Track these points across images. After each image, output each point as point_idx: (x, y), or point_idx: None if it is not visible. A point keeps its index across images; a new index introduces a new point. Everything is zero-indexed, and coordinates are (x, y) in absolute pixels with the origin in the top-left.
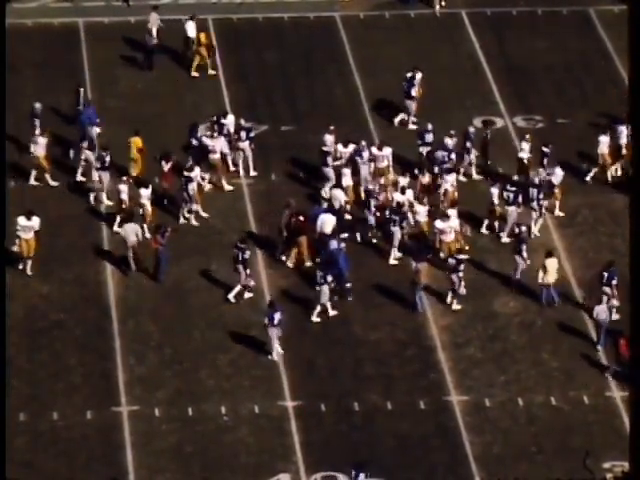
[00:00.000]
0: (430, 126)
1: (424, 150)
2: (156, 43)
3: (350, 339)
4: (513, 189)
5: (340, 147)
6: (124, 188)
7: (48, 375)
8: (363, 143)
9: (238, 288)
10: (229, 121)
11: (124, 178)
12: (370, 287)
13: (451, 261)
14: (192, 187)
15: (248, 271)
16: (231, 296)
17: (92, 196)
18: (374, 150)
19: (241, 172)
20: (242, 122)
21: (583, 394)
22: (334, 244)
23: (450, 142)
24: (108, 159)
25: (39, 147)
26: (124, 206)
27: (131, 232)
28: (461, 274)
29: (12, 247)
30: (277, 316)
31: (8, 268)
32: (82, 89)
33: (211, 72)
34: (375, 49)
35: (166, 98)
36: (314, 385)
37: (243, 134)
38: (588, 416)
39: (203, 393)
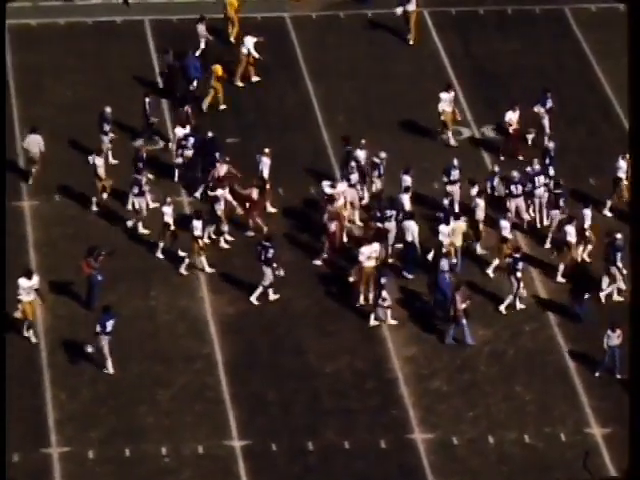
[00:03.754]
0: (456, 161)
1: (451, 189)
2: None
3: (304, 370)
4: (558, 191)
5: (327, 189)
6: (168, 210)
7: None
8: (352, 164)
9: (260, 289)
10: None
11: (167, 200)
12: (326, 312)
13: (508, 261)
14: (219, 207)
15: (273, 267)
16: (254, 298)
17: (130, 222)
18: (327, 189)
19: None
20: (187, 131)
21: (559, 430)
22: (444, 264)
23: (531, 170)
24: (144, 183)
25: (99, 168)
26: (170, 230)
27: (34, 144)
28: (519, 274)
29: (14, 314)
30: (110, 323)
31: None
32: (148, 99)
33: (255, 78)
34: (329, 52)
35: (99, 107)
36: (264, 422)
37: (191, 140)
38: (565, 454)
39: (141, 432)
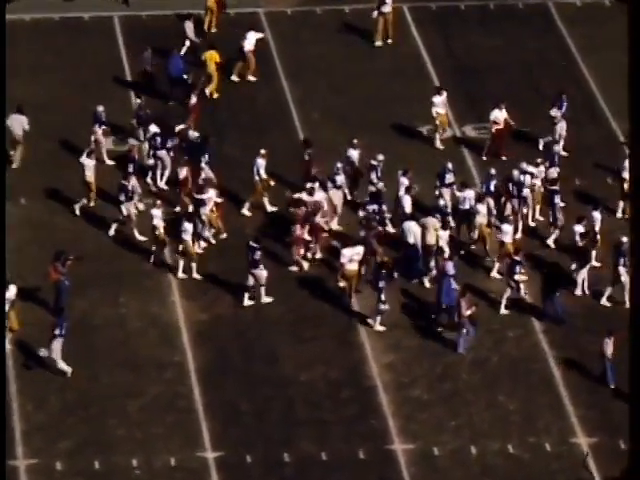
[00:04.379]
0: (450, 165)
1: (444, 192)
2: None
3: (278, 379)
4: (553, 188)
5: (305, 196)
6: (157, 213)
7: None
8: (338, 165)
9: (263, 290)
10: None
11: (157, 202)
12: (301, 319)
13: (507, 262)
14: (205, 211)
15: (261, 268)
16: (265, 299)
17: (113, 228)
18: (303, 195)
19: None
20: (157, 129)
21: (544, 440)
22: (450, 268)
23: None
24: (131, 188)
25: (88, 170)
26: (158, 233)
27: (17, 124)
28: (517, 277)
29: None
30: (65, 325)
31: None
32: (139, 100)
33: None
34: (304, 49)
35: (70, 107)
36: (238, 433)
37: (158, 140)
38: (551, 465)
39: (112, 443)
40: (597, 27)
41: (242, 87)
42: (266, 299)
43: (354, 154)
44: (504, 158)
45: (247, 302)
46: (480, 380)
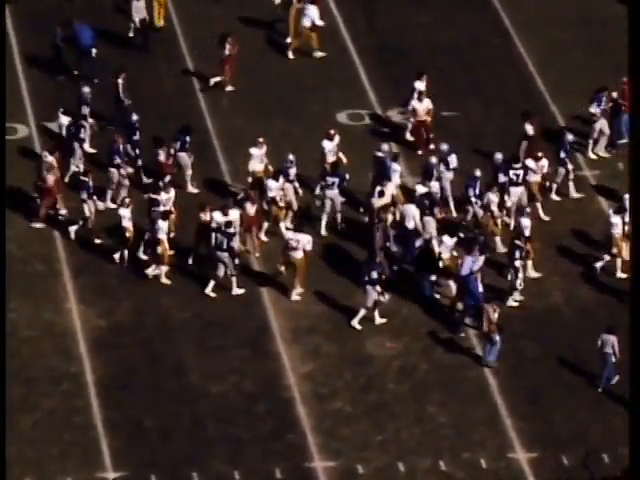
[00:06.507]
0: (435, 160)
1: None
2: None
3: (186, 392)
4: (519, 166)
5: (271, 183)
6: (125, 213)
7: None
8: (290, 157)
9: (234, 280)
10: (63, 122)
11: (126, 200)
12: (208, 325)
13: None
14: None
15: (237, 261)
16: (209, 290)
17: (72, 231)
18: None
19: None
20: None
21: (480, 456)
22: (469, 263)
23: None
24: (91, 184)
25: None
26: (128, 235)
27: None
28: (518, 264)
29: None
30: None
31: None
32: (120, 80)
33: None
34: (211, 26)
35: None
36: (142, 451)
37: (72, 130)
38: None
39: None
40: (534, 1)
41: (144, 69)
42: (238, 290)
43: (328, 145)
44: (420, 152)
45: (236, 291)
46: (408, 390)
